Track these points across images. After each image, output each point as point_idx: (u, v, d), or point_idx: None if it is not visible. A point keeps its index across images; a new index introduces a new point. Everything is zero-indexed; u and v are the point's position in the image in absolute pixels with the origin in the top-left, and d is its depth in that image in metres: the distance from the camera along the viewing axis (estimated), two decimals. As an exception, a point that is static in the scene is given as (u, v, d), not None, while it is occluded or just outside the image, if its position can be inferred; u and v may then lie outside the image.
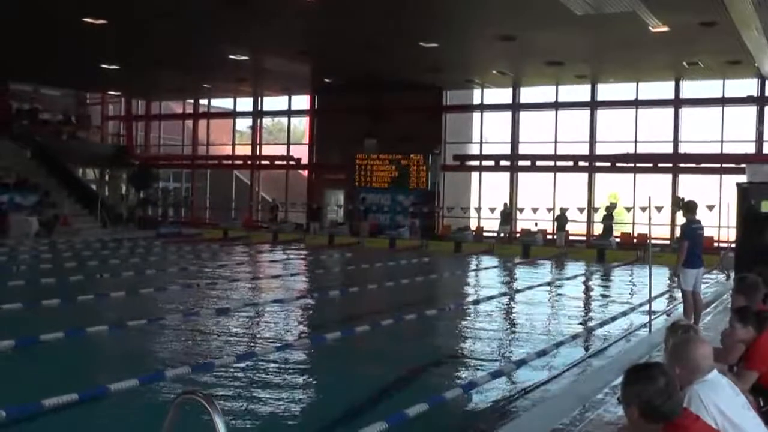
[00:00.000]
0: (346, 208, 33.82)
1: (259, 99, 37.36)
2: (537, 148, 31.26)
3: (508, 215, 29.95)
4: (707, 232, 13.57)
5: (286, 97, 36.60)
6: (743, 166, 25.57)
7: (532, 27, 20.29)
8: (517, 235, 30.02)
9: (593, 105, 30.11)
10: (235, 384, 8.36)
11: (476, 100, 32.51)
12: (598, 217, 29.51)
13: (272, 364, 9.35)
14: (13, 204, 28.56)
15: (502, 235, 29.64)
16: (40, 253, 22.80)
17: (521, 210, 30.33)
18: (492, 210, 30.18)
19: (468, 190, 32.90)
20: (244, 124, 40.66)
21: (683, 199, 16.20)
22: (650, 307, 11.49)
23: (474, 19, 19.68)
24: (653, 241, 15.69)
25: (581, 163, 30.05)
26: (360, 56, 25.40)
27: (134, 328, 11.17)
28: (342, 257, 24.64)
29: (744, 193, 15.60)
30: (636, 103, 29.42)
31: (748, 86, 27.83)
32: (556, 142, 30.65)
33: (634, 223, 27.56)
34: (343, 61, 26.73)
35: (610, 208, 28.74)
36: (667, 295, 16.59)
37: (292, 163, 36.20)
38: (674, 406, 3.28)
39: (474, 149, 32.78)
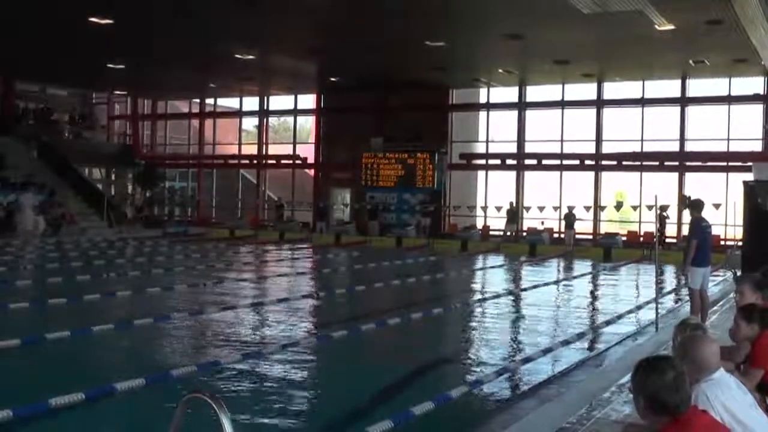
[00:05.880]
0: (353, 207, 33.84)
1: (266, 98, 37.40)
2: (543, 147, 31.22)
3: (514, 214, 29.88)
4: (713, 231, 13.54)
5: (292, 97, 36.64)
6: (750, 164, 25.53)
7: (538, 25, 20.29)
8: (524, 233, 30.01)
9: (599, 103, 30.07)
10: (241, 383, 8.36)
11: (482, 99, 32.51)
12: (606, 215, 29.49)
13: (278, 363, 9.35)
14: (19, 203, 28.59)
15: (508, 233, 29.59)
16: (47, 252, 22.87)
17: (528, 209, 30.32)
18: (498, 209, 30.16)
19: (474, 188, 32.89)
20: (250, 124, 40.76)
21: (689, 197, 16.17)
22: (657, 305, 11.48)
23: (481, 17, 19.69)
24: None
25: (587, 162, 30.00)
26: (366, 55, 25.43)
27: (141, 327, 11.17)
28: (349, 256, 24.64)
29: (751, 191, 15.57)
30: (642, 102, 29.39)
31: (754, 84, 27.78)
32: (562, 140, 30.64)
33: (640, 222, 27.57)
34: (349, 60, 26.76)
35: (664, 208, 26.90)
36: (673, 294, 16.58)
37: (298, 162, 36.23)
38: (681, 401, 3.28)
39: (480, 148, 32.77)
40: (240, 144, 39.54)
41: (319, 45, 24.63)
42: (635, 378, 3.41)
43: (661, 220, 27.17)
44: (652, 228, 20.75)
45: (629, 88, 29.85)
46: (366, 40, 23.02)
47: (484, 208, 31.47)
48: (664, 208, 27.28)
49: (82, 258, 21.20)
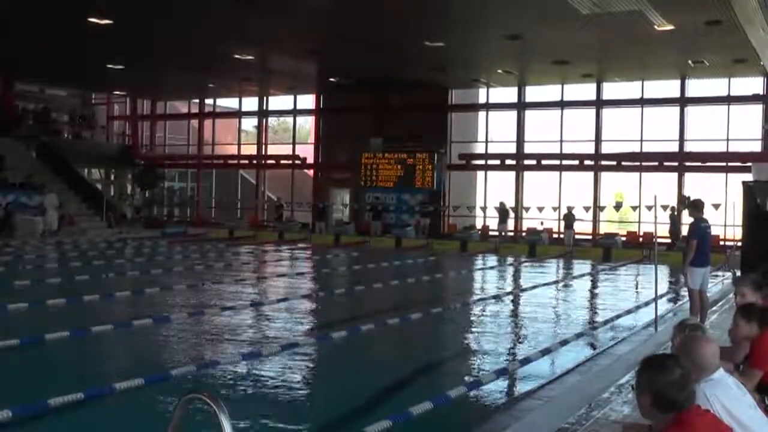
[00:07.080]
0: (352, 207, 33.84)
1: (265, 98, 37.40)
2: (542, 147, 31.22)
3: (505, 213, 29.74)
4: (713, 231, 13.54)
5: (292, 97, 36.63)
6: (749, 164, 25.55)
7: (538, 26, 20.29)
8: (523, 234, 30.01)
9: (599, 104, 30.08)
10: (240, 383, 8.36)
11: (482, 99, 32.51)
12: (606, 215, 29.46)
13: (278, 363, 9.35)
14: (18, 204, 28.62)
15: (502, 233, 29.56)
16: (46, 252, 22.85)
17: (527, 209, 30.32)
18: (497, 209, 30.17)
19: (473, 189, 32.89)
20: (249, 124, 40.76)
21: (689, 197, 16.17)
22: (656, 305, 11.48)
23: (480, 18, 19.69)
24: (659, 240, 15.66)
25: (587, 162, 30.00)
26: (366, 55, 25.42)
27: (140, 327, 11.18)
28: (348, 256, 24.63)
29: (750, 191, 15.59)
30: (641, 102, 29.39)
31: (753, 84, 27.79)
32: (561, 141, 30.64)
33: (639, 222, 27.57)
34: (348, 60, 26.75)
35: (673, 208, 26.91)
36: (672, 294, 16.58)
37: (297, 162, 36.22)
38: (685, 399, 3.33)
39: (479, 148, 32.76)
40: (239, 144, 39.54)
41: (318, 45, 24.62)
42: (641, 375, 3.43)
43: (673, 221, 27.09)
44: (651, 228, 20.68)
45: (628, 89, 29.86)
46: (365, 41, 23.02)
47: (484, 209, 31.47)
48: (673, 208, 27.14)
49: (81, 258, 21.19)
